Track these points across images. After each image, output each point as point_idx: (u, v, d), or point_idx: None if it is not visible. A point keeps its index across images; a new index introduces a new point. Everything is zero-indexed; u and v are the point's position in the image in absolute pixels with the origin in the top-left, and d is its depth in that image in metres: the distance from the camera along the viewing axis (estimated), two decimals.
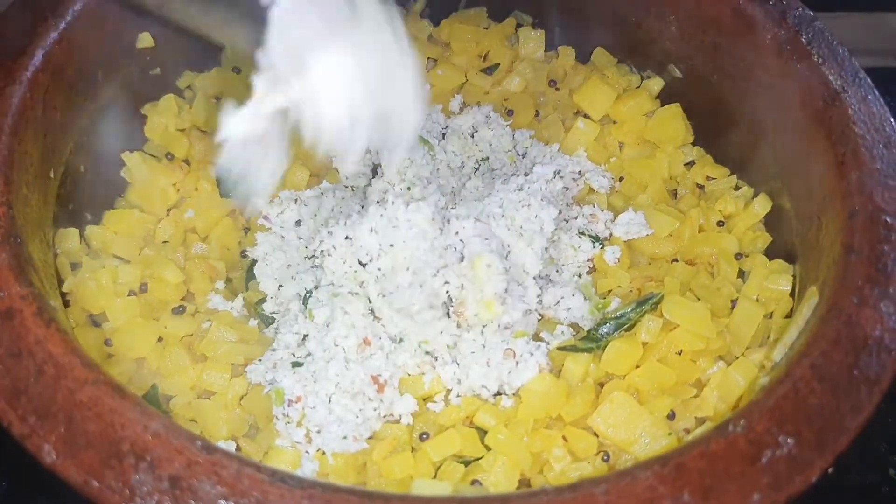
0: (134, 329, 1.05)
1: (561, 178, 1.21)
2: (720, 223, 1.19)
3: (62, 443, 0.75)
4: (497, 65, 1.37)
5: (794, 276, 1.08)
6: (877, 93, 1.06)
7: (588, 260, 1.17)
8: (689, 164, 1.29)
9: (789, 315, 1.05)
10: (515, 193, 1.14)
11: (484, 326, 1.05)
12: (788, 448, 0.77)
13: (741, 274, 1.13)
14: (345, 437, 0.98)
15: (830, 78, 1.07)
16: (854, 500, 1.18)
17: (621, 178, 1.28)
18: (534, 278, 1.10)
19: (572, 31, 1.38)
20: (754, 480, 0.75)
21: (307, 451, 0.98)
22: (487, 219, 1.08)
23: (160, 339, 1.07)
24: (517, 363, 1.02)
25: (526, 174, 1.21)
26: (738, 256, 1.15)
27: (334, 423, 0.98)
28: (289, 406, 0.99)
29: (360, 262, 1.04)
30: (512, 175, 1.20)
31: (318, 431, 0.98)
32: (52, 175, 1.07)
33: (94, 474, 0.73)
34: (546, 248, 1.12)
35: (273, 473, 0.74)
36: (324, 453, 0.98)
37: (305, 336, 1.05)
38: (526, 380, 1.02)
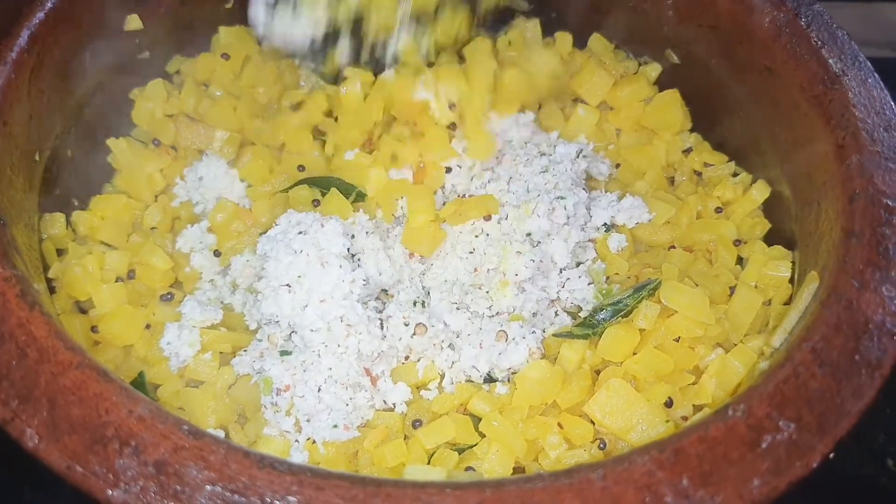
0: (121, 316, 1.03)
1: (584, 157, 1.19)
2: (718, 210, 1.18)
3: (45, 427, 0.73)
4: None
5: (793, 263, 1.07)
6: (876, 76, 1.05)
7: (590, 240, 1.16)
8: (687, 151, 1.27)
9: (788, 302, 1.03)
10: (541, 176, 1.13)
11: (494, 314, 1.06)
12: (789, 433, 0.75)
13: (740, 261, 1.12)
14: (335, 426, 0.96)
15: (830, 61, 1.06)
16: (851, 491, 1.17)
17: (618, 165, 1.26)
18: (560, 270, 1.11)
19: (569, 16, 1.36)
20: (754, 465, 0.73)
21: (297, 441, 0.96)
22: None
23: (148, 327, 1.05)
24: (507, 346, 1.01)
25: (546, 154, 1.19)
26: (737, 243, 1.13)
27: (324, 411, 0.96)
28: (277, 395, 0.97)
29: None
30: (537, 155, 1.18)
31: (308, 420, 0.96)
32: (37, 158, 1.05)
33: (77, 459, 0.72)
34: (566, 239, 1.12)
35: (262, 459, 0.72)
36: (314, 442, 0.96)
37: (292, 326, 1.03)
38: (514, 363, 1.01)
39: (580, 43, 1.36)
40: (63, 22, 1.07)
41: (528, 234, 1.10)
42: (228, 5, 1.29)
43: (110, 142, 1.18)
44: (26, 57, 1.02)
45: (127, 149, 1.18)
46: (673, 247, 1.15)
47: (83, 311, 1.05)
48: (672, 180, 1.26)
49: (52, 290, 1.03)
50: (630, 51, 1.35)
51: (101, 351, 1.02)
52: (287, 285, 1.00)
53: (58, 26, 1.07)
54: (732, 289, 1.06)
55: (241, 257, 1.11)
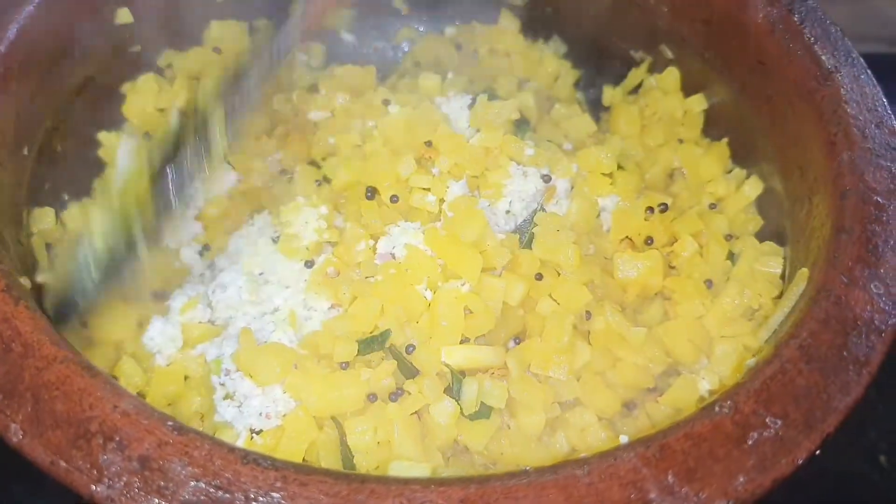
0: (112, 313, 1.03)
1: None
2: (712, 206, 1.17)
3: (29, 422, 0.73)
4: None
5: (784, 259, 1.06)
6: (869, 72, 1.04)
7: None
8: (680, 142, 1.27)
9: (780, 297, 1.03)
10: None
11: None
12: (775, 429, 0.75)
13: (731, 256, 1.11)
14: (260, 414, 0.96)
15: (823, 57, 1.06)
16: (844, 488, 1.17)
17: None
18: None
19: (563, 10, 1.36)
20: (740, 462, 0.73)
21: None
22: None
23: (141, 324, 1.05)
24: None
25: None
26: (729, 237, 1.13)
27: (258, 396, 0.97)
28: (226, 375, 0.98)
29: None
30: None
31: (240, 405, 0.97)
32: (26, 153, 1.05)
33: (61, 454, 0.71)
34: None
35: (246, 454, 0.72)
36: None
37: None
38: None
39: (573, 35, 1.37)
40: (52, 16, 1.07)
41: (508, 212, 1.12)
42: None
43: (102, 135, 1.17)
44: (15, 51, 1.02)
45: (118, 143, 1.18)
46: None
47: None
48: (671, 176, 1.25)
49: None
50: (624, 45, 1.34)
51: (93, 347, 1.02)
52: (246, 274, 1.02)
53: (47, 20, 1.06)
54: (708, 282, 1.07)
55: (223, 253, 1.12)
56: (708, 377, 0.99)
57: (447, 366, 0.97)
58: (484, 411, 0.95)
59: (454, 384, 0.96)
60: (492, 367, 0.98)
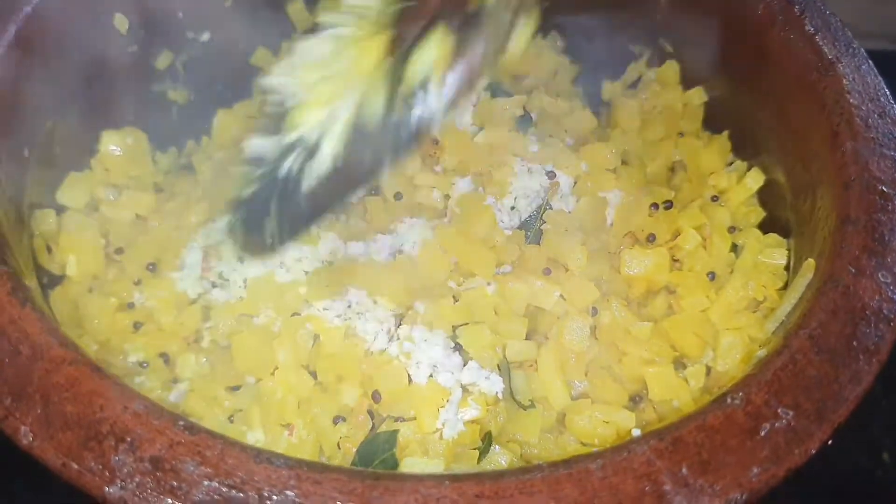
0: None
1: None
2: (714, 198, 1.17)
3: (39, 424, 0.72)
4: None
5: (788, 251, 1.07)
6: (871, 63, 1.04)
7: None
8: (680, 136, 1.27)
9: (784, 289, 1.03)
10: None
11: None
12: (787, 420, 0.75)
13: (734, 248, 1.11)
14: None
15: (824, 48, 1.06)
16: (847, 484, 1.17)
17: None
18: None
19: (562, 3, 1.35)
20: (753, 453, 0.73)
21: None
22: None
23: None
24: None
25: None
26: (732, 230, 1.13)
27: None
28: None
29: None
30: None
31: None
32: (26, 154, 1.04)
33: (72, 456, 0.71)
34: None
35: (258, 453, 0.71)
36: None
37: None
38: None
39: (572, 29, 1.36)
40: (51, 16, 1.06)
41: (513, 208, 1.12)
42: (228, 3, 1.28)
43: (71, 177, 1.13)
44: (14, 52, 1.01)
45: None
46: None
47: None
48: (672, 170, 1.25)
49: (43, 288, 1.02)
50: (623, 39, 1.34)
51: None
52: None
53: (45, 22, 1.05)
54: (710, 274, 1.07)
55: None
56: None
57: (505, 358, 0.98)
58: (531, 403, 0.97)
59: (507, 375, 0.97)
60: (525, 362, 0.99)
